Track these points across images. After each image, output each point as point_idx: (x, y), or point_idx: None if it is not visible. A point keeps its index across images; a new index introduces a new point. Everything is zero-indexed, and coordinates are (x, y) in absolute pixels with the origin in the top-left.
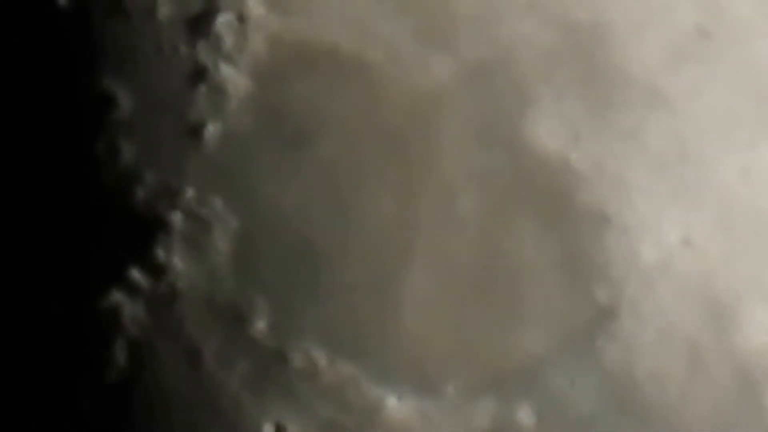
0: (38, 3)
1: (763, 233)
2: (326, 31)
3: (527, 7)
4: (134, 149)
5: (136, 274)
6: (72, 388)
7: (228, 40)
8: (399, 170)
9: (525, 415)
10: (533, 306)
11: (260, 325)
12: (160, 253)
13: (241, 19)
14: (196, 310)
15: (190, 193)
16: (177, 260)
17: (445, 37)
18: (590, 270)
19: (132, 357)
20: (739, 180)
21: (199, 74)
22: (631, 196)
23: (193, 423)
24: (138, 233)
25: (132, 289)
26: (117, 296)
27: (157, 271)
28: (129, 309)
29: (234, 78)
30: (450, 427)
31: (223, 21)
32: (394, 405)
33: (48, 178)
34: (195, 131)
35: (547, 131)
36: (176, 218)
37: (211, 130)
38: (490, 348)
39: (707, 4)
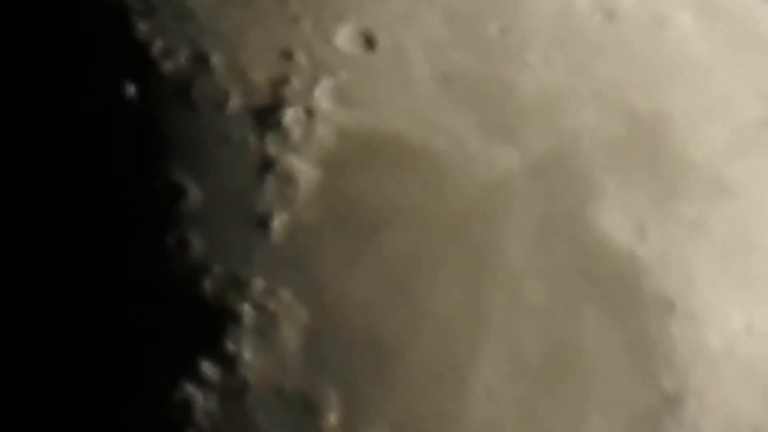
0: (106, 94)
1: None
2: (392, 122)
3: (591, 97)
4: (203, 241)
5: (206, 367)
6: None
7: (295, 133)
8: (465, 260)
9: None
10: (600, 394)
11: (331, 417)
12: (230, 345)
13: (309, 112)
14: (267, 403)
15: (258, 284)
16: (247, 352)
17: (510, 128)
18: (656, 358)
19: None
20: None
21: (266, 165)
22: (696, 284)
23: None
24: (207, 325)
25: (203, 382)
26: (188, 389)
27: (227, 363)
28: (200, 402)
29: (301, 169)
30: None
31: (291, 114)
32: None
33: (118, 270)
34: (263, 222)
35: (612, 221)
36: (245, 310)
37: (279, 221)
38: None
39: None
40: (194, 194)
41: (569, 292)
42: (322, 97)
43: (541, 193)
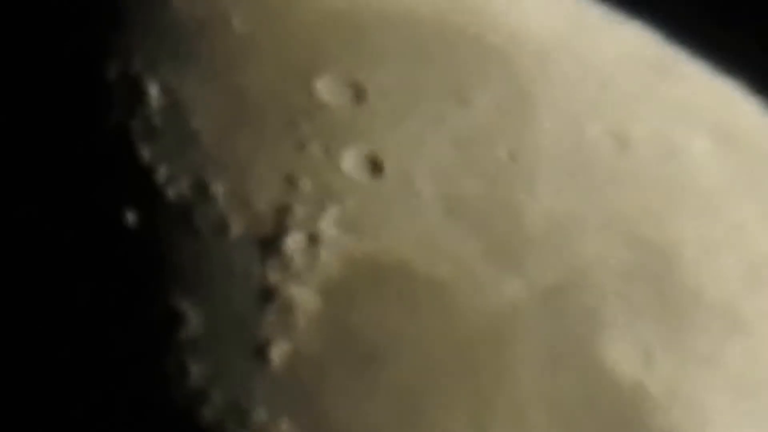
0: (108, 220)
1: None
2: (398, 249)
3: (601, 226)
4: (203, 368)
5: None
6: None
7: (298, 260)
8: (471, 391)
9: None
10: None
11: None
12: None
13: (313, 239)
14: None
15: (259, 413)
16: None
17: (517, 257)
18: None
19: None
20: None
21: (268, 293)
22: (705, 421)
23: None
24: None
25: None
26: None
27: None
28: None
29: (303, 297)
30: None
31: (294, 241)
32: None
33: (118, 396)
34: (264, 350)
35: (621, 354)
36: None
37: (280, 350)
38: None
39: None
40: (194, 321)
41: (575, 424)
42: (327, 223)
43: (549, 322)
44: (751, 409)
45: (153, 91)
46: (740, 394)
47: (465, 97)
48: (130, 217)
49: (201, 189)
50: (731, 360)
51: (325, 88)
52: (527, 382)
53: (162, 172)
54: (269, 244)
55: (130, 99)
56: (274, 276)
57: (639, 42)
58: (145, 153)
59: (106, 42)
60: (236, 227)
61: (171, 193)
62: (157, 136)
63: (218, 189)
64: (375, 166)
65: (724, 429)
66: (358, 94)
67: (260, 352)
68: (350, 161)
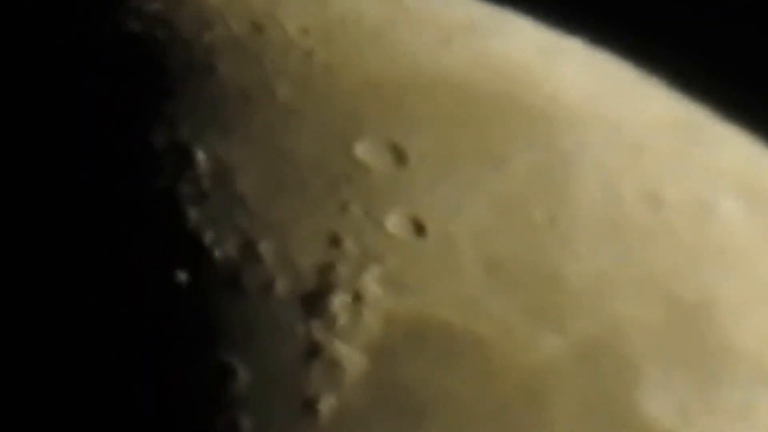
0: (158, 281)
1: None
2: (439, 308)
3: (636, 284)
4: (251, 423)
5: None
6: None
7: (342, 318)
8: None
9: None
10: None
11: None
12: None
13: (357, 297)
14: None
15: None
16: None
17: (555, 313)
18: None
19: None
20: None
21: (314, 350)
22: None
23: None
24: None
25: None
26: None
27: None
28: None
29: (348, 354)
30: None
31: (338, 300)
32: None
33: None
34: (310, 406)
35: (657, 408)
36: None
37: (326, 405)
38: None
39: None
40: (243, 377)
41: None
42: (370, 282)
43: (586, 378)
44: None
45: (200, 156)
46: None
47: (502, 159)
48: (181, 277)
49: (248, 249)
50: (763, 412)
51: (365, 152)
52: None
53: (209, 234)
54: (314, 303)
55: (179, 164)
56: (318, 333)
57: (670, 104)
58: (193, 215)
59: (155, 110)
60: (282, 286)
61: (218, 253)
62: (204, 199)
63: (264, 248)
64: (417, 228)
65: None
66: (398, 157)
67: (307, 407)
68: (393, 222)
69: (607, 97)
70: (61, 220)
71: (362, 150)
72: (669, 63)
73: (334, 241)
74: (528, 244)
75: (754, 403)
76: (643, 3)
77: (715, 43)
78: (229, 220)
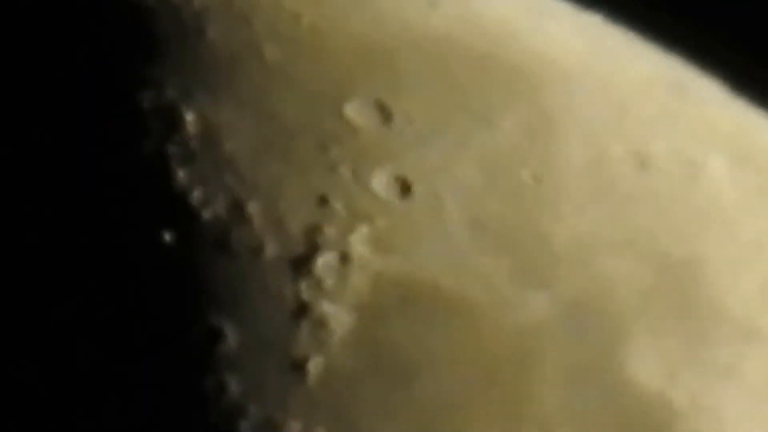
0: (145, 241)
1: None
2: (427, 269)
3: (623, 245)
4: (240, 384)
5: None
6: None
7: (330, 279)
8: (498, 406)
9: None
10: None
11: None
12: None
13: (344, 258)
14: None
15: (294, 427)
16: None
17: (542, 274)
18: None
19: None
20: None
21: (301, 311)
22: (727, 429)
23: None
24: None
25: None
26: None
27: None
28: None
29: (336, 315)
30: None
31: (326, 261)
32: None
33: (158, 413)
34: (299, 366)
35: (644, 367)
36: None
37: (315, 365)
38: None
39: None
40: (232, 338)
41: None
42: (358, 243)
43: (574, 339)
44: None
45: (188, 117)
46: (760, 403)
47: (489, 119)
48: (168, 237)
49: (236, 210)
50: (751, 371)
51: (354, 113)
52: (552, 396)
53: (197, 195)
54: (302, 264)
55: (167, 126)
56: (307, 294)
57: (658, 64)
58: (181, 176)
59: (144, 73)
60: (270, 247)
61: (206, 214)
62: (192, 160)
63: (252, 210)
64: (404, 188)
65: None
66: (386, 117)
67: (295, 368)
68: (380, 183)
69: (595, 56)
70: (48, 183)
71: (350, 111)
72: (656, 24)
73: (322, 202)
74: (514, 204)
75: (740, 361)
76: None
77: (704, 4)
78: (217, 181)
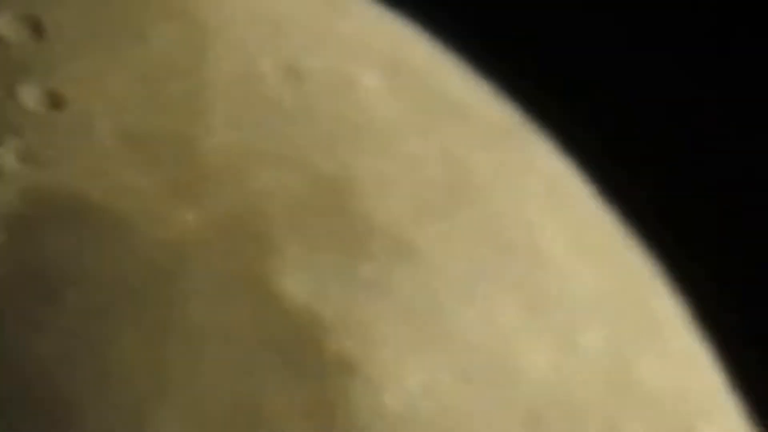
0: None
1: (502, 382)
2: (76, 182)
3: (274, 159)
4: None
5: None
6: None
7: None
8: (148, 319)
9: None
10: None
11: None
12: None
13: None
14: None
15: None
16: None
17: (194, 188)
18: (337, 420)
19: None
20: (479, 329)
21: None
22: (376, 346)
23: None
24: None
25: None
26: None
27: None
28: None
29: None
30: None
31: None
32: None
33: None
34: None
35: (293, 282)
36: None
37: None
38: None
39: (453, 164)
40: None
41: (249, 352)
42: (6, 156)
43: (222, 255)
44: (419, 333)
45: None
46: (408, 319)
47: (142, 32)
48: None
49: None
50: (400, 287)
51: (4, 28)
52: (200, 309)
53: None
54: None
55: None
56: None
57: None
58: None
59: None
60: None
61: None
62: None
63: None
64: (55, 102)
65: (390, 353)
66: (37, 31)
67: None
68: (30, 96)
69: None
70: None
71: (0, 26)
72: None
73: None
74: (166, 117)
75: (389, 277)
76: None
77: None
78: None
